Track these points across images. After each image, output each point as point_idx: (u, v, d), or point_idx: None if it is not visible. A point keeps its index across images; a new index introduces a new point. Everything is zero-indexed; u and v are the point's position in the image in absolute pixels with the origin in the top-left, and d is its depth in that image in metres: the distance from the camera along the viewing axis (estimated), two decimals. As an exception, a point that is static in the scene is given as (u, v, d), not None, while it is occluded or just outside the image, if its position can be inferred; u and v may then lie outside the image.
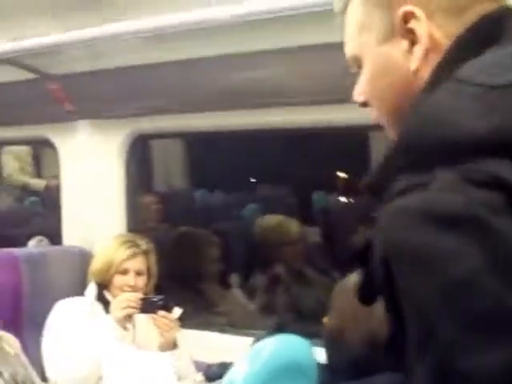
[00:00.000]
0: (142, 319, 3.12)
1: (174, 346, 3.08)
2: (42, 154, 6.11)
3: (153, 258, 3.21)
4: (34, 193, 5.80)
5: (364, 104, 1.19)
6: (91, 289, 3.18)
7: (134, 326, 3.11)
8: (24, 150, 5.97)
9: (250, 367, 1.58)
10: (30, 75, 3.53)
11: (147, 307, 3.02)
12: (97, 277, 3.18)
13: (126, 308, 3.00)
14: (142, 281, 3.14)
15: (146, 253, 3.18)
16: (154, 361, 2.98)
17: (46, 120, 3.68)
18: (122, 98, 3.46)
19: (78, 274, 3.33)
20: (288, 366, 1.65)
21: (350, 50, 1.19)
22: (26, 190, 5.94)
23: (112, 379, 2.91)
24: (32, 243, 3.38)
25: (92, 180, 3.58)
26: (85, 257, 3.37)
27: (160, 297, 3.06)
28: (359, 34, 1.15)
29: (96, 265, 3.19)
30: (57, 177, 5.64)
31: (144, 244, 3.20)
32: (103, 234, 3.48)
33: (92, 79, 3.42)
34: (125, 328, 3.02)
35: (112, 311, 3.02)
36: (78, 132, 3.60)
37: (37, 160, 6.10)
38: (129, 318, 3.03)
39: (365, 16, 1.14)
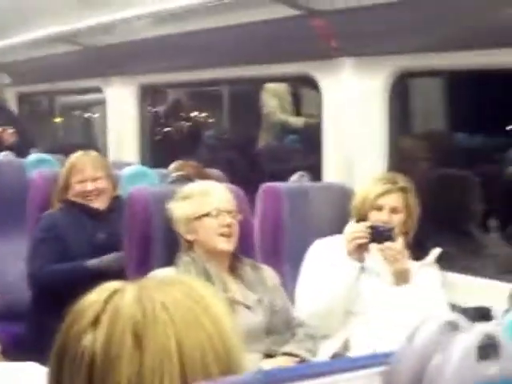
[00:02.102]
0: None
1: (406, 279, 3.00)
2: (299, 92, 6.17)
3: (411, 197, 3.12)
4: (294, 131, 5.88)
5: None
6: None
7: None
8: (283, 88, 6.04)
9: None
10: (295, 12, 3.55)
11: (376, 237, 2.93)
12: (355, 213, 3.17)
13: (354, 239, 2.96)
14: (397, 218, 3.06)
15: (403, 190, 3.10)
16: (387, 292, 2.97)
17: (310, 57, 3.70)
18: (386, 34, 3.38)
19: (339, 211, 3.33)
20: None
21: None
22: (284, 127, 6.03)
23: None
24: (293, 178, 3.42)
25: (354, 118, 3.56)
26: (345, 193, 3.36)
27: (389, 226, 2.96)
28: None
29: (354, 201, 3.18)
30: (314, 115, 5.72)
31: (401, 182, 3.13)
32: (363, 172, 3.46)
33: (357, 15, 3.38)
34: (360, 259, 2.98)
35: (345, 244, 2.99)
36: (341, 69, 3.58)
37: (295, 98, 6.16)
38: (361, 248, 2.96)
39: None
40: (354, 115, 3.57)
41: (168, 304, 1.00)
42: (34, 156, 4.33)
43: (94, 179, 3.52)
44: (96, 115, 7.61)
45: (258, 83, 5.26)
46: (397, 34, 3.36)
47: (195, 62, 4.48)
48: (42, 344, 3.33)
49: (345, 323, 3.00)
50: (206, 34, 4.14)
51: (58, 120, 7.64)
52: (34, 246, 3.43)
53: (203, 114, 6.63)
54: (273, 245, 3.22)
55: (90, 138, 7.72)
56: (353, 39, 3.52)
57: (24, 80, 6.45)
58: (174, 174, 3.32)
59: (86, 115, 8.09)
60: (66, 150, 5.45)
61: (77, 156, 3.61)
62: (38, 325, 3.39)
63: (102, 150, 5.92)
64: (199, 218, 2.77)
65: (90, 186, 3.50)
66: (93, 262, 3.28)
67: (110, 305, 1.00)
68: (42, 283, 3.37)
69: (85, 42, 5.11)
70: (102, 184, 3.53)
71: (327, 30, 3.49)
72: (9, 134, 5.14)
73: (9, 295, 3.69)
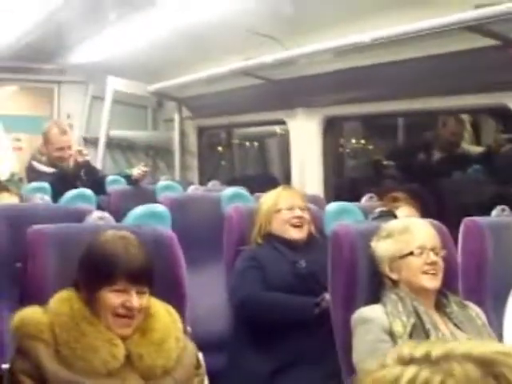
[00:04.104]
0: None
1: None
2: (478, 121, 6.03)
3: None
4: (475, 160, 5.72)
5: None
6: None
7: None
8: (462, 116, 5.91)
9: None
10: (491, 42, 3.49)
11: None
12: None
13: None
14: None
15: None
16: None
17: (506, 87, 3.61)
18: None
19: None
20: None
21: None
22: (464, 157, 5.88)
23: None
24: (495, 213, 3.33)
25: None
26: None
27: None
28: None
29: None
30: (492, 145, 5.58)
31: None
32: None
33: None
34: None
35: None
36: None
37: (474, 127, 6.02)
38: None
39: None
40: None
41: None
42: (229, 190, 4.41)
43: (302, 208, 3.58)
44: (272, 147, 7.70)
45: (449, 115, 5.17)
46: None
47: (380, 94, 4.47)
48: (240, 377, 3.40)
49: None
50: (394, 65, 4.13)
51: (234, 152, 7.81)
52: (239, 275, 3.46)
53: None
54: (476, 281, 3.13)
55: (265, 169, 7.82)
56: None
57: (204, 113, 6.64)
58: (378, 210, 3.31)
59: (261, 147, 8.18)
60: (244, 182, 5.57)
61: (282, 188, 3.71)
62: (238, 358, 3.45)
63: (279, 182, 6.01)
64: (403, 257, 2.75)
65: (298, 212, 3.56)
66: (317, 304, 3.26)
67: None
68: (253, 310, 3.36)
69: (268, 76, 5.21)
70: (307, 215, 3.58)
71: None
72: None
73: (199, 328, 3.74)
